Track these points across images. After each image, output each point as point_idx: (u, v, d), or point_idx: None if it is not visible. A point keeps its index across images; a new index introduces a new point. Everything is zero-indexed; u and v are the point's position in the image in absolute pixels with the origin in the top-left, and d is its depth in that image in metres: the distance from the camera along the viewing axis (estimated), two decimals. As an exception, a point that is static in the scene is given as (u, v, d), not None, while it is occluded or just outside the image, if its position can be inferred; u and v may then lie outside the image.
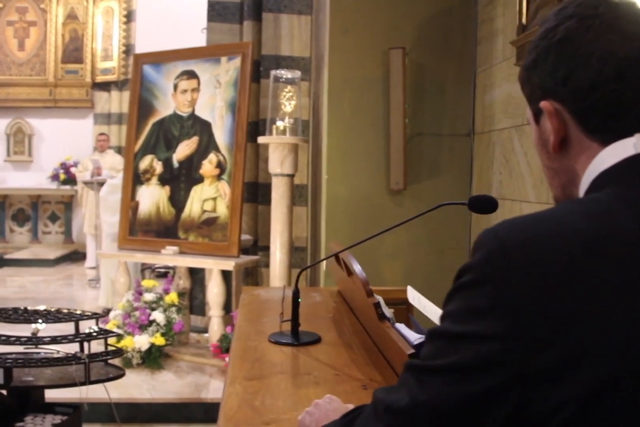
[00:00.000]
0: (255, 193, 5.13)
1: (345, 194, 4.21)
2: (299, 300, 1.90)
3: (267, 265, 4.93)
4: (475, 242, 0.79)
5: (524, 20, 3.18)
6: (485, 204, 1.46)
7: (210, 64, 4.52)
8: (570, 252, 0.72)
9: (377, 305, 1.60)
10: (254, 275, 5.24)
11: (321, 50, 4.49)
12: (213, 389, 4.02)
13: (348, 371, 1.63)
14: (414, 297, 1.86)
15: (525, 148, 3.52)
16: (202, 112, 4.56)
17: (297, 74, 4.37)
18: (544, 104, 0.87)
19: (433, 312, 1.88)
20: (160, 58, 4.66)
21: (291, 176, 4.41)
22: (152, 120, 4.69)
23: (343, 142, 4.18)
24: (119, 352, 3.04)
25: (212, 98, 4.54)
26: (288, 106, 4.34)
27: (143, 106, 4.72)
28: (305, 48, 4.84)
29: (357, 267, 1.76)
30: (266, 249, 4.97)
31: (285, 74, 4.32)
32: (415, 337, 1.40)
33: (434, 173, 4.30)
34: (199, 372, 4.29)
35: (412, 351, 1.33)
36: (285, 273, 4.45)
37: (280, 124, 4.33)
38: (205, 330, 4.92)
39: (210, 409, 3.85)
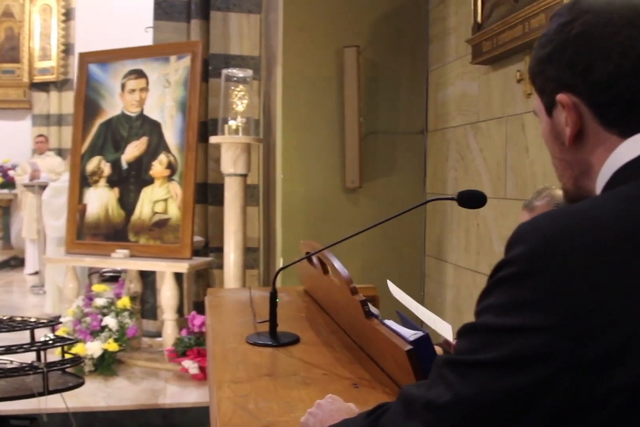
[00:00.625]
0: (205, 194, 5.05)
1: (301, 192, 4.19)
2: (277, 300, 1.87)
3: (219, 266, 4.86)
4: (514, 237, 0.78)
5: (479, 19, 3.23)
6: (475, 199, 1.46)
7: (159, 63, 4.43)
8: (613, 244, 0.72)
9: (363, 303, 1.58)
10: (205, 277, 5.15)
11: (272, 49, 4.45)
12: (170, 394, 3.94)
13: (335, 370, 1.61)
14: (396, 292, 1.85)
15: (480, 145, 3.57)
16: (151, 112, 4.46)
17: (249, 73, 4.33)
18: (561, 97, 0.87)
19: (415, 306, 1.88)
20: (106, 57, 4.53)
21: (244, 176, 4.36)
22: (99, 120, 4.56)
23: (298, 141, 4.16)
24: (77, 360, 2.94)
25: (162, 98, 4.44)
26: (240, 105, 4.29)
27: (89, 106, 4.59)
28: (254, 47, 4.79)
29: (339, 266, 1.74)
30: (218, 250, 4.90)
31: (237, 73, 4.27)
32: (409, 333, 1.39)
33: (389, 171, 4.32)
34: (154, 378, 4.20)
35: (409, 347, 1.32)
36: (239, 274, 4.39)
37: (232, 123, 4.28)
38: (157, 334, 4.82)
39: (168, 415, 3.77)
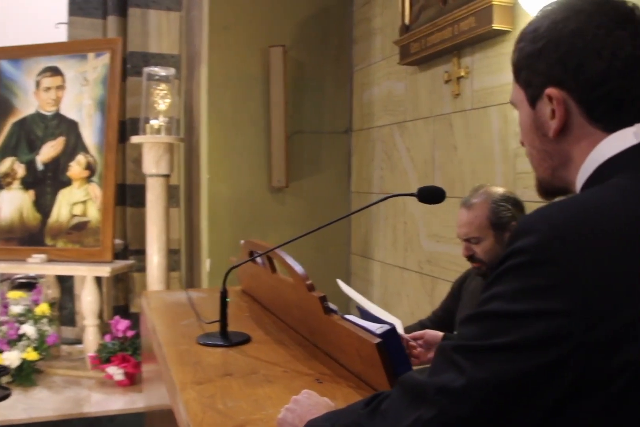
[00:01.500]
0: (123, 195, 4.91)
1: (227, 192, 4.15)
2: (227, 300, 1.85)
3: (139, 269, 4.74)
4: (520, 228, 0.81)
5: (406, 20, 3.29)
6: (434, 195, 1.48)
7: (76, 61, 4.26)
8: (618, 232, 0.76)
9: (322, 299, 1.59)
10: (124, 280, 5.00)
11: (195, 48, 4.38)
12: (95, 403, 3.80)
13: (294, 367, 1.60)
14: (347, 290, 1.86)
15: (407, 144, 3.64)
16: (68, 111, 4.30)
17: (172, 71, 4.24)
18: (551, 91, 0.91)
19: (365, 303, 1.90)
20: (19, 53, 4.33)
21: (167, 176, 4.27)
22: (12, 120, 4.34)
23: (224, 141, 4.11)
24: (3, 371, 2.79)
25: (79, 96, 4.28)
26: (162, 104, 4.20)
27: (0, 105, 4.37)
28: (174, 45, 4.70)
29: (293, 263, 1.73)
30: (138, 253, 4.78)
31: (159, 71, 4.18)
32: (375, 327, 1.40)
33: (315, 170, 4.34)
34: (77, 386, 4.04)
35: (378, 340, 1.33)
36: (163, 277, 4.30)
37: (154, 122, 4.18)
38: (76, 341, 4.64)
39: (95, 424, 3.64)
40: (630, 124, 0.88)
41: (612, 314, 0.72)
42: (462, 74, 3.01)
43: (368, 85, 4.11)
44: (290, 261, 1.76)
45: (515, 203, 2.19)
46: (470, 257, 2.20)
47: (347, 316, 1.55)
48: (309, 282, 1.67)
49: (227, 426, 1.22)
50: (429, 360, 1.83)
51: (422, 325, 2.41)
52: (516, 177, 2.70)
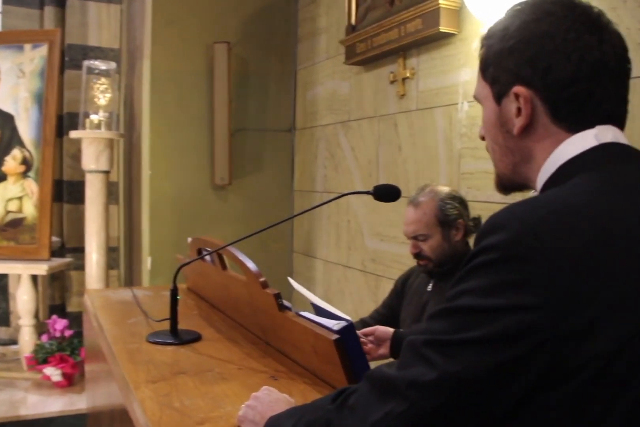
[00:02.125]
0: (60, 191, 4.78)
1: (169, 189, 4.09)
2: (178, 297, 1.83)
3: (76, 268, 4.63)
4: (490, 225, 0.83)
5: (353, 21, 3.31)
6: (389, 193, 1.51)
7: (11, 51, 4.13)
8: (587, 230, 0.79)
9: (277, 296, 1.59)
10: (61, 279, 4.88)
11: (136, 42, 4.31)
12: (32, 405, 3.70)
13: (248, 364, 1.60)
14: (298, 288, 1.87)
15: (352, 143, 3.67)
16: (3, 104, 4.15)
17: (112, 65, 4.16)
18: (519, 90, 0.93)
19: (318, 301, 1.92)
20: (-50, 42, 4.16)
21: (107, 173, 4.19)
22: (-58, 112, 4.18)
23: (167, 137, 4.05)
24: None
25: (15, 88, 4.15)
26: (102, 99, 4.11)
27: None
28: (114, 39, 4.61)
29: (247, 261, 1.73)
30: (75, 250, 4.67)
31: (100, 65, 4.09)
32: (332, 323, 1.41)
33: (258, 168, 4.33)
34: (12, 388, 3.92)
35: (336, 336, 1.34)
36: (102, 275, 4.21)
37: (94, 117, 4.09)
38: (11, 342, 4.51)
39: (32, 426, 3.54)
40: (591, 125, 0.91)
41: (580, 309, 0.75)
42: (408, 75, 3.06)
43: (312, 84, 4.12)
44: (243, 258, 1.76)
45: (461, 202, 2.25)
46: (417, 255, 2.25)
47: (302, 313, 1.55)
48: (262, 279, 1.67)
49: (186, 425, 1.21)
50: (380, 356, 1.86)
51: (364, 323, 2.42)
52: (460, 177, 2.76)
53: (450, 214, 2.19)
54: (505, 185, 1.05)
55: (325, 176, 4.02)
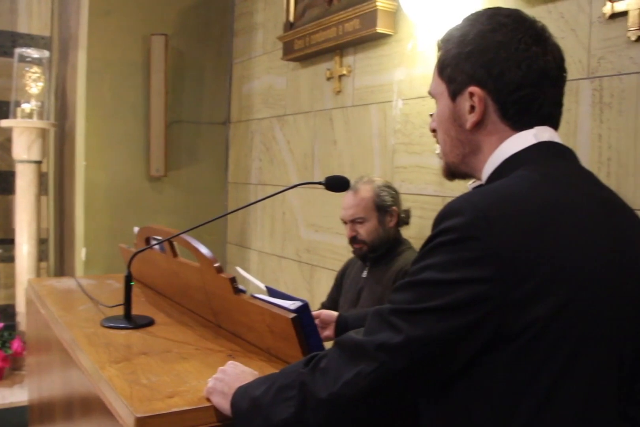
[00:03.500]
0: (-14, 182, 4.69)
1: (104, 181, 4.09)
2: (132, 283, 1.89)
3: (3, 260, 4.56)
4: (447, 211, 0.96)
5: (291, 18, 3.41)
6: (340, 183, 1.62)
7: (-62, 37, 4.03)
8: (531, 213, 0.93)
9: (232, 280, 1.68)
10: (-14, 271, 4.79)
11: (70, 31, 4.26)
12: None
13: (204, 345, 1.69)
14: (245, 275, 1.96)
15: (287, 137, 3.77)
16: None
17: (45, 54, 4.11)
18: (474, 90, 1.07)
19: (260, 284, 2.02)
20: None
21: (39, 163, 4.15)
22: None
23: (102, 128, 4.04)
24: None
25: (-58, 75, 4.05)
26: (35, 88, 4.07)
27: None
28: (45, 26, 4.54)
29: (201, 247, 1.81)
30: (2, 242, 4.60)
31: (32, 53, 4.04)
32: (288, 304, 1.52)
33: (193, 160, 4.37)
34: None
35: (293, 315, 1.45)
36: (34, 266, 4.18)
37: (26, 106, 4.05)
38: None
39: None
40: (532, 125, 1.06)
41: (523, 281, 0.89)
42: (344, 72, 3.18)
43: (248, 78, 4.20)
44: (197, 245, 1.84)
45: (395, 192, 2.49)
46: (354, 238, 2.41)
47: (257, 295, 1.65)
48: (217, 264, 1.76)
49: (157, 398, 1.29)
50: (325, 337, 1.97)
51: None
52: (394, 171, 2.91)
53: (386, 200, 2.41)
54: (452, 173, 1.19)
55: (260, 169, 4.11)
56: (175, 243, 2.07)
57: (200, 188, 4.39)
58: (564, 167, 1.04)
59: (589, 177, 1.06)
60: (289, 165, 3.77)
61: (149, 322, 1.89)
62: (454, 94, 1.10)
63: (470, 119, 1.08)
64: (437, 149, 2.63)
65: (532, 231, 0.91)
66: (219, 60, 4.36)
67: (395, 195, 2.47)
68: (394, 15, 2.82)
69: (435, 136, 1.65)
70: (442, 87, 1.12)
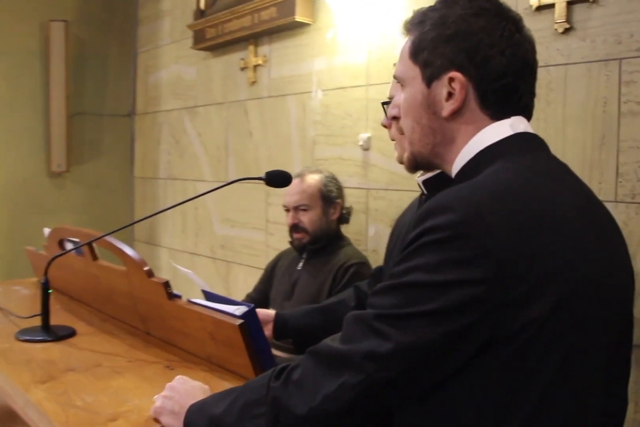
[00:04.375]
0: None
1: (1, 178, 3.80)
2: (50, 291, 1.74)
3: None
4: (436, 206, 0.89)
5: (202, 5, 3.26)
6: (281, 178, 1.53)
7: None
8: (523, 211, 0.88)
9: (166, 284, 1.56)
10: None
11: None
12: None
13: (136, 355, 1.57)
14: (185, 271, 1.85)
15: (198, 129, 3.63)
16: None
17: None
18: (456, 75, 0.99)
19: (204, 285, 1.91)
20: None
21: None
22: None
23: (-3, 120, 3.76)
24: None
25: None
26: None
27: None
28: None
29: (128, 249, 1.68)
30: None
31: None
32: (232, 308, 1.42)
33: (96, 154, 4.14)
34: None
35: (240, 321, 1.35)
36: None
37: None
38: None
39: None
40: (509, 115, 1.00)
41: (519, 280, 0.84)
42: (260, 62, 3.08)
43: (154, 68, 4.01)
44: (123, 247, 1.70)
45: (340, 186, 2.46)
46: (295, 226, 2.35)
47: (195, 300, 1.54)
48: (147, 268, 1.64)
49: (98, 422, 1.17)
50: (263, 339, 1.89)
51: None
52: (315, 163, 2.84)
53: (332, 191, 2.38)
54: (417, 163, 1.11)
55: (169, 162, 3.94)
56: (94, 245, 1.92)
57: (105, 184, 4.17)
58: (544, 159, 1.00)
59: (567, 170, 1.02)
60: (201, 159, 3.63)
61: (70, 333, 1.73)
62: (429, 79, 1.03)
63: (448, 106, 1.01)
64: (361, 140, 2.60)
65: (527, 228, 0.86)
66: (123, 49, 4.14)
67: (341, 189, 2.44)
68: (313, 3, 2.74)
69: (389, 126, 1.60)
70: (414, 72, 1.05)
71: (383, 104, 1.54)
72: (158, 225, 4.10)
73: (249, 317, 1.38)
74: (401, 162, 1.58)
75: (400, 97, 1.10)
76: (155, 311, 1.67)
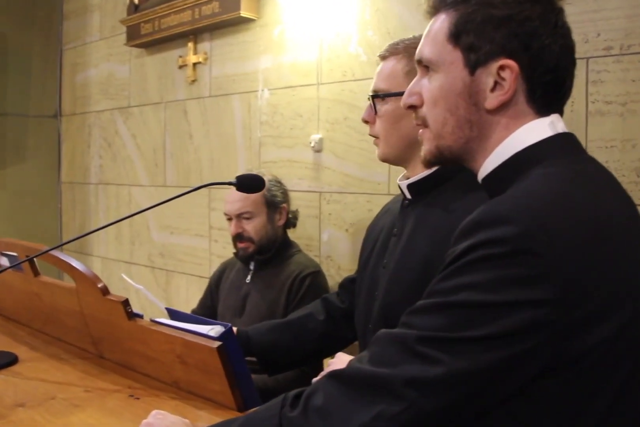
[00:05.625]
0: None
1: None
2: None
3: None
4: (488, 217, 0.79)
5: (136, 0, 3.08)
6: (254, 183, 1.41)
7: None
8: (589, 224, 0.79)
9: (125, 303, 1.41)
10: None
11: None
12: None
13: (93, 384, 1.41)
14: (133, 283, 1.69)
15: (133, 130, 3.43)
16: None
17: None
18: (509, 63, 0.89)
19: (153, 298, 1.76)
20: None
21: None
22: None
23: None
24: None
25: None
26: None
27: None
28: None
29: (79, 265, 1.51)
30: None
31: None
32: (205, 329, 1.28)
33: (20, 158, 3.87)
34: None
35: (218, 343, 1.22)
36: None
37: None
38: None
39: None
40: (551, 112, 0.91)
41: (585, 302, 0.76)
42: (200, 60, 2.92)
43: (83, 66, 3.77)
44: (71, 261, 1.53)
45: (285, 189, 2.30)
46: (239, 235, 2.20)
47: (159, 320, 1.39)
48: (101, 284, 1.47)
49: (63, 467, 1.01)
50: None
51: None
52: (262, 166, 2.71)
53: (276, 195, 2.23)
54: (442, 157, 0.99)
55: (100, 166, 3.72)
56: (36, 260, 1.73)
57: (29, 189, 3.90)
58: (591, 163, 0.91)
59: (611, 175, 0.93)
60: (136, 162, 3.44)
61: (12, 360, 1.55)
62: (474, 65, 0.91)
63: (495, 97, 0.90)
64: (312, 142, 2.48)
65: (592, 244, 0.78)
66: (48, 45, 3.88)
67: (286, 193, 2.28)
68: (258, -2, 2.61)
69: (372, 121, 1.47)
70: (452, 56, 0.93)
71: (373, 97, 1.43)
72: (89, 233, 3.86)
73: (227, 339, 1.24)
74: (384, 160, 1.48)
75: (423, 84, 0.98)
76: (111, 332, 1.50)
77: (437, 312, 0.79)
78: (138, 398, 1.31)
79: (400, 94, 1.38)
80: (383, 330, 0.84)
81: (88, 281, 1.49)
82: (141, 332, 1.40)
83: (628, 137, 1.69)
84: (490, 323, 0.75)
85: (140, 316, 1.44)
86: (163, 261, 3.32)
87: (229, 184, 1.39)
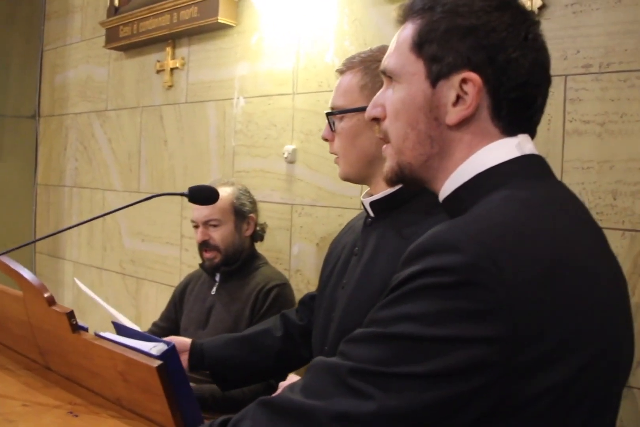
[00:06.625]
0: None
1: None
2: None
3: None
4: (437, 242, 0.73)
5: (116, 2, 3.04)
6: (207, 195, 1.36)
7: None
8: (544, 256, 0.73)
9: (70, 315, 1.35)
10: None
11: None
12: None
13: (33, 398, 1.35)
14: (85, 289, 1.64)
15: (109, 134, 3.38)
16: None
17: None
18: (472, 77, 0.82)
19: (106, 306, 1.71)
20: None
21: None
22: None
23: None
24: None
25: None
26: None
27: None
28: None
29: (25, 272, 1.46)
30: None
31: None
32: (148, 346, 1.23)
33: (-6, 159, 3.82)
34: None
35: (159, 362, 1.17)
36: None
37: None
38: None
39: None
40: (517, 133, 0.85)
41: (538, 341, 0.70)
42: (177, 65, 2.88)
43: (62, 67, 3.72)
44: (19, 269, 1.48)
45: (254, 200, 2.27)
46: (206, 243, 2.16)
47: (103, 334, 1.34)
48: (47, 294, 1.41)
49: None
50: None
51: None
52: (235, 176, 2.67)
53: (245, 204, 2.20)
54: (403, 176, 0.92)
55: (76, 169, 3.67)
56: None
57: (4, 190, 3.84)
58: (555, 188, 0.85)
59: (578, 201, 0.87)
60: (111, 167, 3.39)
61: (-46, 369, 1.49)
62: (436, 77, 0.85)
63: (456, 112, 0.83)
64: (286, 153, 2.44)
65: (547, 279, 0.72)
66: (28, 45, 3.83)
67: (254, 203, 2.25)
68: (237, 4, 2.57)
69: (332, 139, 1.43)
70: (415, 67, 0.86)
71: (328, 114, 1.39)
72: (62, 236, 3.80)
73: (169, 358, 1.19)
74: (345, 179, 1.44)
75: (387, 95, 0.91)
76: (58, 344, 1.45)
77: (374, 343, 0.72)
78: (77, 415, 1.26)
79: (356, 110, 1.35)
80: (319, 357, 0.78)
81: (34, 290, 1.44)
82: (84, 346, 1.35)
83: (605, 158, 1.64)
84: (430, 359, 0.68)
85: (85, 329, 1.38)
86: (134, 268, 3.26)
87: (181, 195, 1.35)
